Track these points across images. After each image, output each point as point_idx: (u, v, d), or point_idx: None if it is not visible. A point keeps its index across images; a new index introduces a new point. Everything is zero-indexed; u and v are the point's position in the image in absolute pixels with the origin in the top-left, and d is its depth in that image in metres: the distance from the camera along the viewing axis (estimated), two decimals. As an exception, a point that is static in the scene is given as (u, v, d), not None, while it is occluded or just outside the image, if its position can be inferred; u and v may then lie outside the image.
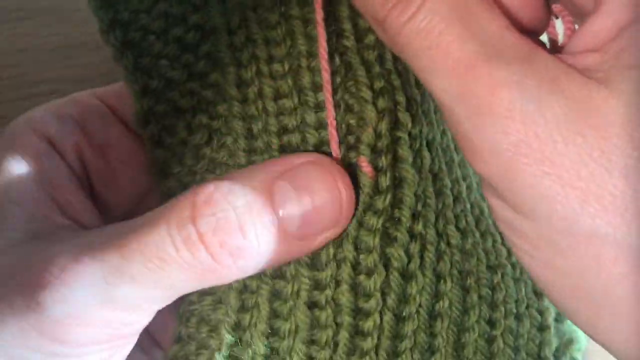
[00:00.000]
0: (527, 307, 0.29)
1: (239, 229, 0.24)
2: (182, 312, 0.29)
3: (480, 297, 0.27)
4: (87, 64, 0.43)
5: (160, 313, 0.29)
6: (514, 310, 0.28)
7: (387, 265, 0.26)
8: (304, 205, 0.24)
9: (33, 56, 0.44)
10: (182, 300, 0.29)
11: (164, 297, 0.25)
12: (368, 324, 0.26)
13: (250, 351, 0.27)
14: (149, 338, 0.32)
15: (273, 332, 0.27)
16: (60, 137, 0.29)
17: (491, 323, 0.28)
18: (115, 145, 0.30)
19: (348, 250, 0.26)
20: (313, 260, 0.27)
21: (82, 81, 0.43)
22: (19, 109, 0.39)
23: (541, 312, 0.29)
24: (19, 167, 0.27)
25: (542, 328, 0.29)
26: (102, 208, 0.30)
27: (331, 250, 0.26)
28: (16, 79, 0.43)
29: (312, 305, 0.26)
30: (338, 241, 0.26)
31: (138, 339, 0.30)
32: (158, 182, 0.29)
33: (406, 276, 0.26)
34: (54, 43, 0.44)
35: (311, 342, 0.26)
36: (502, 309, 0.28)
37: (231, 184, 0.25)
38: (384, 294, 0.26)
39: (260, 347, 0.27)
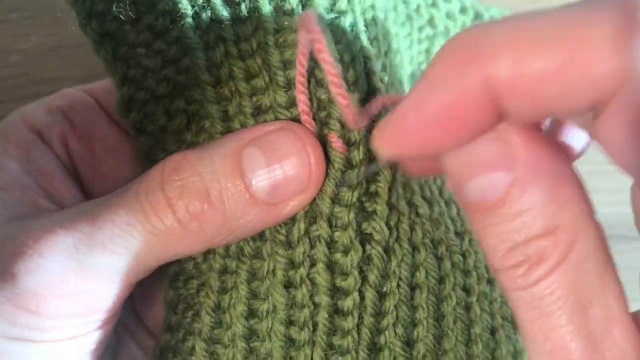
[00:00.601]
0: None
1: (205, 194, 0.24)
2: (169, 299, 0.30)
3: (453, 264, 0.27)
4: (87, 64, 0.43)
5: (152, 303, 0.29)
6: (486, 275, 0.28)
7: (364, 242, 0.26)
8: (272, 170, 0.24)
9: (33, 56, 0.44)
10: (170, 287, 0.30)
11: (135, 268, 0.26)
12: (347, 303, 0.25)
13: (229, 333, 0.27)
14: (142, 329, 0.32)
15: (252, 313, 0.27)
16: (47, 128, 0.30)
17: (466, 290, 0.28)
18: (100, 136, 0.31)
19: (322, 228, 0.26)
20: (288, 238, 0.26)
21: (82, 81, 0.43)
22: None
23: None
24: (7, 156, 0.28)
25: None
26: (89, 196, 0.31)
27: (302, 226, 0.26)
28: (16, 79, 0.43)
29: (288, 284, 0.26)
30: (311, 217, 0.26)
31: (132, 329, 0.31)
32: (144, 169, 0.30)
33: (387, 250, 0.26)
34: (53, 43, 0.44)
35: (290, 322, 0.26)
36: (475, 274, 0.28)
37: (200, 152, 0.25)
38: (362, 272, 0.26)
39: (240, 329, 0.26)
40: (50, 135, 0.30)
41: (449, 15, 0.40)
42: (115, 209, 0.25)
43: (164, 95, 0.29)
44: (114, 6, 0.29)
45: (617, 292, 0.20)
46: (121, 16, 0.29)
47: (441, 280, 0.27)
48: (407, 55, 0.37)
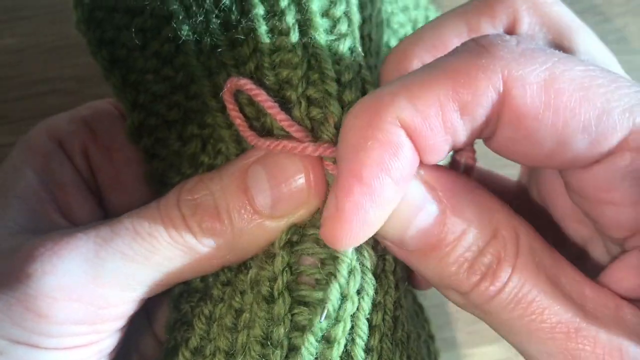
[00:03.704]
0: None
1: (215, 210, 0.25)
2: (169, 323, 0.29)
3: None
4: (87, 64, 0.43)
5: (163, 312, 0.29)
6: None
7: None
8: (275, 186, 0.25)
9: (33, 56, 0.44)
10: (172, 311, 0.30)
11: (151, 279, 0.26)
12: (336, 331, 0.25)
13: (212, 346, 0.26)
14: (152, 336, 0.32)
15: (235, 325, 0.26)
16: (69, 137, 0.30)
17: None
18: (121, 147, 0.31)
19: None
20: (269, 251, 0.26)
21: (82, 80, 0.43)
22: (19, 109, 0.39)
23: None
24: (26, 164, 0.29)
25: None
26: (108, 208, 0.31)
27: (284, 237, 0.26)
28: (16, 79, 0.43)
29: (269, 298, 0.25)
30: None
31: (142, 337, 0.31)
32: (158, 192, 0.30)
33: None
34: (53, 43, 0.44)
35: (266, 339, 0.25)
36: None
37: (213, 173, 0.27)
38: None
39: (223, 342, 0.26)
40: (71, 144, 0.30)
41: None
42: (138, 220, 0.26)
43: (176, 121, 0.30)
44: (124, 35, 0.29)
45: (569, 264, 0.22)
46: (129, 43, 0.29)
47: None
48: None
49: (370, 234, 0.22)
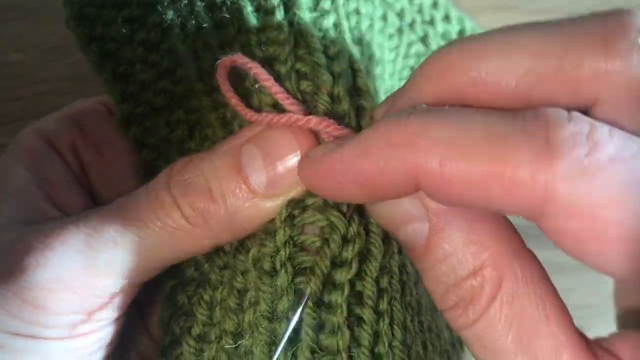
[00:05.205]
0: None
1: (207, 190, 0.25)
2: (164, 319, 0.29)
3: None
4: (86, 63, 0.43)
5: (156, 309, 0.29)
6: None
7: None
8: (269, 165, 0.25)
9: (32, 56, 0.44)
10: (165, 307, 0.30)
11: (144, 265, 0.26)
12: (334, 297, 0.25)
13: (217, 329, 0.27)
14: (147, 336, 0.32)
15: (239, 306, 0.26)
16: (57, 135, 0.30)
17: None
18: (110, 142, 0.31)
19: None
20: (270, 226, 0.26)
21: (81, 80, 0.43)
22: (18, 109, 0.39)
23: None
24: (17, 163, 0.29)
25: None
26: (100, 203, 0.31)
27: (285, 212, 0.25)
28: (16, 79, 0.44)
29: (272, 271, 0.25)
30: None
31: (136, 336, 0.31)
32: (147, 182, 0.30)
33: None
34: (53, 43, 0.44)
35: (272, 315, 0.25)
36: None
37: (204, 154, 0.26)
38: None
39: (229, 324, 0.26)
40: (60, 142, 0.30)
41: (444, 36, 0.40)
42: (125, 206, 0.26)
43: (163, 107, 0.30)
44: (112, 29, 0.29)
45: (562, 319, 0.20)
46: (118, 36, 0.29)
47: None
48: (390, 68, 0.36)
49: (348, 196, 0.22)
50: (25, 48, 0.44)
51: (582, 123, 0.18)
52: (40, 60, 0.44)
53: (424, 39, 0.39)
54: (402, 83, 0.36)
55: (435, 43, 0.39)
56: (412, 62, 0.39)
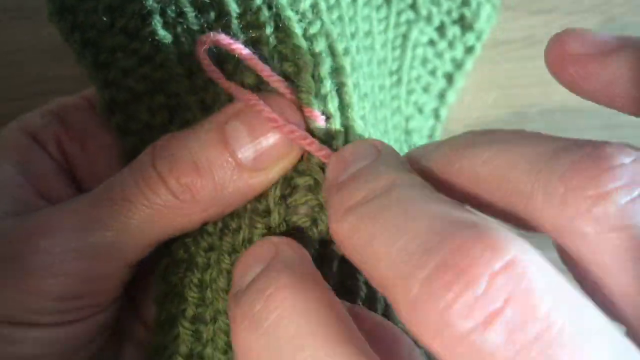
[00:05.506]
0: None
1: (194, 165, 0.25)
2: (158, 296, 0.30)
3: None
4: (86, 64, 0.43)
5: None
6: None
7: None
8: (255, 138, 0.25)
9: (32, 56, 0.44)
10: (158, 282, 0.30)
11: (135, 245, 0.26)
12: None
13: (211, 310, 0.27)
14: (141, 325, 0.32)
15: (230, 287, 0.26)
16: (42, 131, 0.31)
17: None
18: (93, 135, 0.32)
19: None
20: (264, 206, 0.26)
21: (81, 80, 0.43)
22: (18, 109, 0.39)
23: None
24: (4, 159, 0.29)
25: None
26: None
27: (278, 193, 0.26)
28: (16, 78, 0.44)
29: None
30: (285, 184, 0.26)
31: (131, 325, 0.31)
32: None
33: None
34: (53, 43, 0.44)
35: None
36: None
37: (187, 130, 0.27)
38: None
39: (221, 304, 0.26)
40: (44, 137, 0.31)
41: (433, 1, 0.40)
42: (111, 187, 0.26)
43: (144, 93, 0.30)
44: (93, 17, 0.30)
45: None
46: (99, 24, 0.30)
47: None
48: (380, 39, 0.37)
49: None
50: (25, 48, 0.44)
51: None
52: (40, 60, 0.44)
53: (413, 5, 0.39)
54: (395, 52, 0.37)
55: (425, 8, 0.40)
56: (403, 29, 0.39)
